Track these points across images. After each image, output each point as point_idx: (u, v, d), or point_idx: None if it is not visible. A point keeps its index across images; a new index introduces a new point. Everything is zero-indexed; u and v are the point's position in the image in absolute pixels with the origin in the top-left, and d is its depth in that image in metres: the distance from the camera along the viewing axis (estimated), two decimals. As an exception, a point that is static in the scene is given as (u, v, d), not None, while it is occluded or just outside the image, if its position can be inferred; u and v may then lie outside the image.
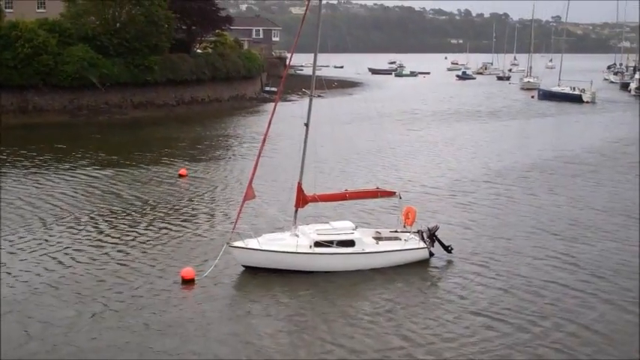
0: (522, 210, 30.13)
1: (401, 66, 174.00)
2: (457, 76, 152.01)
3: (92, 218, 27.41)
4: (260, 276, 20.86)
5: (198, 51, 78.63)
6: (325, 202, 24.24)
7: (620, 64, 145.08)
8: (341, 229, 22.12)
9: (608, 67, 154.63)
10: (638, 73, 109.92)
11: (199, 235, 25.31)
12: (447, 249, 22.79)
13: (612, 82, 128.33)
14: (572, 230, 26.79)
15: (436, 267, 22.31)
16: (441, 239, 22.88)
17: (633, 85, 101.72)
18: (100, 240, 24.51)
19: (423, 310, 18.70)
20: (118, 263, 21.99)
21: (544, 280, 21.01)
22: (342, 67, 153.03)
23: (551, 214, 29.38)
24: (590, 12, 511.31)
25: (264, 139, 22.27)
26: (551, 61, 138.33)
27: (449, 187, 34.78)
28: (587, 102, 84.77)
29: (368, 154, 44.11)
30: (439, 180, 36.70)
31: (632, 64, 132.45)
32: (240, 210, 21.86)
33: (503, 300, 19.36)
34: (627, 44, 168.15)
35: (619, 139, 53.86)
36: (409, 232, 22.83)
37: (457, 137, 54.53)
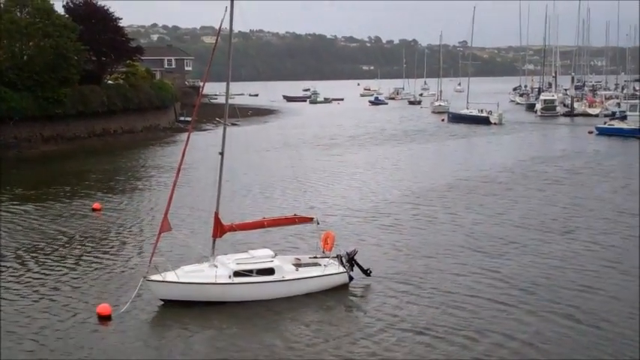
0: (443, 229, 30.70)
1: (315, 93, 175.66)
2: (370, 101, 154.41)
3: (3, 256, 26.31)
4: (179, 309, 20.38)
5: (109, 82, 77.32)
6: (243, 231, 24.05)
7: (525, 86, 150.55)
8: (260, 257, 21.96)
9: (514, 89, 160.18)
10: (542, 94, 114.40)
11: (115, 269, 24.59)
12: (366, 272, 22.91)
13: (518, 103, 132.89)
14: (492, 246, 27.40)
15: (356, 290, 22.35)
16: (360, 262, 23.02)
17: (538, 106, 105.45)
18: (7, 279, 23.50)
19: (346, 334, 18.65)
20: (31, 301, 21.13)
21: (467, 294, 21.32)
22: (257, 95, 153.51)
23: (470, 231, 30.02)
24: (495, 37, 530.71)
25: (179, 170, 22.00)
26: (459, 84, 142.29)
27: (370, 210, 35.08)
28: (495, 123, 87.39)
29: (288, 180, 43.89)
30: (360, 203, 37.03)
31: (537, 85, 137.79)
32: (157, 242, 21.43)
33: (426, 314, 19.62)
34: (531, 67, 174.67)
35: (530, 157, 55.61)
36: (328, 257, 22.87)
37: (376, 160, 55.32)
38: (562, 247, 27.17)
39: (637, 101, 78.74)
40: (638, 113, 71.46)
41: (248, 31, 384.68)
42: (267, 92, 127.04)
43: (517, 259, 25.36)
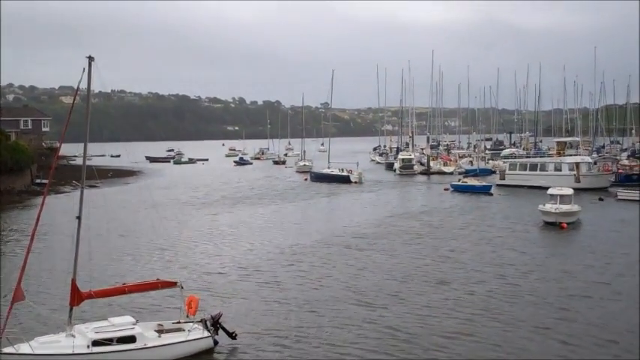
0: (316, 284, 31.39)
1: (179, 153, 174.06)
2: (235, 161, 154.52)
3: None
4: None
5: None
6: (103, 298, 23.26)
7: (384, 146, 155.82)
8: (120, 325, 21.29)
9: (374, 149, 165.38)
10: (400, 153, 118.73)
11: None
12: (232, 335, 22.72)
13: (379, 162, 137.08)
14: (369, 298, 28.42)
15: (221, 355, 22.14)
16: (229, 324, 22.80)
17: (397, 165, 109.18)
18: None
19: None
20: None
21: (342, 346, 21.83)
22: (118, 155, 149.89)
23: (346, 285, 30.93)
24: (356, 98, 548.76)
25: (33, 236, 21.22)
26: (322, 144, 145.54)
27: (243, 268, 35.25)
28: (355, 182, 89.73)
29: (155, 242, 43.33)
30: (232, 262, 37.09)
31: (395, 145, 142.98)
32: (9, 312, 20.41)
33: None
34: (389, 127, 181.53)
35: (393, 214, 57.50)
36: (192, 321, 22.50)
37: (246, 220, 55.54)
38: (436, 296, 28.58)
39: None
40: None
41: (109, 91, 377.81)
42: (129, 153, 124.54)
43: (394, 310, 26.49)
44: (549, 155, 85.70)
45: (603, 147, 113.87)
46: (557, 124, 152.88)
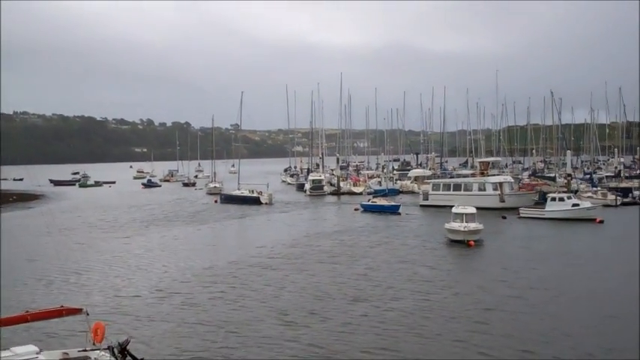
0: (234, 305, 31.17)
1: (85, 176, 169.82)
2: (143, 184, 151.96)
3: None
4: None
5: None
6: (3, 327, 22.31)
7: (295, 167, 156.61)
8: (22, 354, 20.40)
9: (285, 170, 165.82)
10: (310, 174, 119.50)
11: None
12: (139, 362, 22.17)
13: (289, 183, 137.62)
14: (284, 315, 28.76)
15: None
16: (136, 353, 22.25)
17: (307, 186, 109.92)
18: None
19: None
20: None
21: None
22: (21, 179, 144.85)
23: (263, 304, 30.99)
24: (266, 120, 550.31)
25: None
26: (233, 166, 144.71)
27: (153, 293, 34.48)
28: (266, 203, 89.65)
29: (62, 267, 42.02)
30: (143, 287, 36.28)
31: (305, 166, 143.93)
32: None
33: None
34: (300, 148, 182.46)
35: (305, 235, 57.70)
36: (99, 349, 21.86)
37: (157, 242, 54.64)
38: (356, 313, 28.98)
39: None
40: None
41: (11, 112, 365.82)
42: (32, 176, 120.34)
43: (315, 327, 26.74)
44: (472, 175, 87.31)
45: (506, 166, 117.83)
46: (462, 144, 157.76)
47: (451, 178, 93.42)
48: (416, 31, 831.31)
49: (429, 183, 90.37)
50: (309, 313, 29.21)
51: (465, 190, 79.27)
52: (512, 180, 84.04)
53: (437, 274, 38.04)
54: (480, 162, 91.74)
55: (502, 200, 74.57)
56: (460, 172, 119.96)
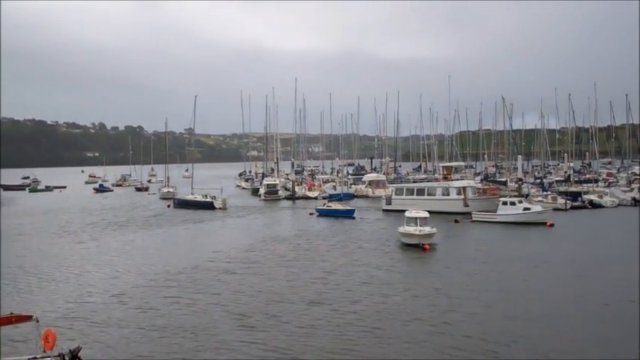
0: (190, 308, 31.01)
1: (35, 181, 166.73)
2: (95, 188, 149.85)
3: None
4: None
5: None
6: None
7: (250, 172, 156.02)
8: (-30, 363, 19.91)
9: (240, 175, 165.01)
10: (265, 179, 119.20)
11: None
12: (92, 369, 21.79)
13: (244, 188, 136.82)
14: (243, 319, 28.67)
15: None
16: (85, 359, 21.83)
17: (262, 191, 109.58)
18: None
19: None
20: None
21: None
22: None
23: (222, 308, 30.89)
24: (221, 124, 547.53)
25: None
26: (187, 170, 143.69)
27: (108, 299, 33.97)
28: (220, 208, 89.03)
29: (14, 273, 41.14)
30: (97, 292, 35.73)
31: (260, 170, 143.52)
32: None
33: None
34: (255, 153, 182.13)
35: (262, 238, 57.60)
36: (49, 356, 21.37)
37: (106, 249, 53.46)
38: (315, 316, 29.12)
39: None
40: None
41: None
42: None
43: (275, 331, 26.78)
44: (435, 180, 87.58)
45: (458, 171, 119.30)
46: (415, 149, 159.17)
47: (414, 182, 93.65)
48: (370, 37, 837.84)
49: (391, 187, 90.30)
50: (268, 317, 29.14)
51: (428, 195, 79.30)
52: (475, 184, 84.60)
53: (394, 277, 38.31)
54: (443, 166, 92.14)
55: (466, 205, 75.01)
56: (415, 176, 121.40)
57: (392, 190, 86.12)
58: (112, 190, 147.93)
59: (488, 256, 45.71)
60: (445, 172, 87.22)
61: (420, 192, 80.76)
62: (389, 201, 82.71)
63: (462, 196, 76.81)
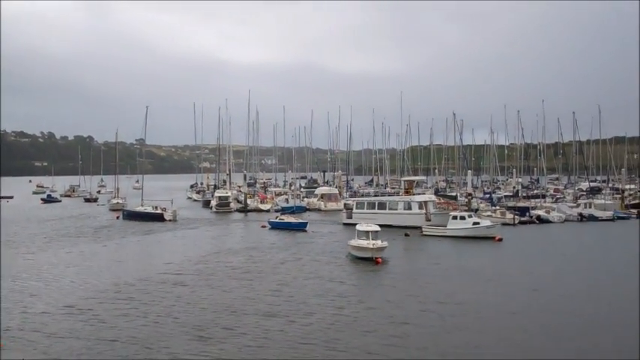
0: (143, 320, 30.71)
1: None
2: (42, 199, 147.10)
3: None
4: None
5: None
6: None
7: (202, 183, 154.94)
8: None
9: (191, 186, 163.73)
10: (217, 191, 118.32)
11: None
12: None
13: (195, 200, 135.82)
14: (198, 331, 28.48)
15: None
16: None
17: (214, 203, 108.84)
18: None
19: None
20: None
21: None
22: None
23: (175, 320, 30.63)
24: (173, 135, 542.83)
25: None
26: (137, 181, 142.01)
27: (58, 310, 33.36)
28: (170, 220, 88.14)
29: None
30: (46, 304, 34.98)
31: (212, 182, 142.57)
32: None
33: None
34: (207, 164, 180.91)
35: (214, 251, 57.31)
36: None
37: (54, 261, 52.32)
38: (271, 328, 29.07)
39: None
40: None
41: None
42: None
43: (231, 343, 26.66)
44: (396, 194, 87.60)
45: (419, 185, 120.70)
46: (368, 163, 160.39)
47: (375, 196, 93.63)
48: (325, 51, 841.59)
49: (352, 201, 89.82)
50: (222, 328, 28.99)
51: (390, 209, 79.03)
52: (435, 199, 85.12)
53: (348, 290, 38.49)
54: (404, 180, 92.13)
55: (428, 219, 75.17)
56: (367, 189, 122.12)
57: (353, 204, 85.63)
58: (60, 201, 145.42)
59: (441, 270, 46.28)
60: (407, 187, 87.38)
61: (382, 206, 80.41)
62: (349, 215, 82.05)
63: (424, 211, 77.17)
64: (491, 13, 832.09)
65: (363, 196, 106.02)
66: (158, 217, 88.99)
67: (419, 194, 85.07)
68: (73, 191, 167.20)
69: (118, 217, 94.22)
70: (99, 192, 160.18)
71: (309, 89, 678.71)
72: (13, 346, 26.14)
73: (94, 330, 29.07)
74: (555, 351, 25.72)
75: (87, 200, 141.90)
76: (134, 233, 74.32)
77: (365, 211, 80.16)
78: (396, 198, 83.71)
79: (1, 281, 41.69)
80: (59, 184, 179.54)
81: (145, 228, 79.31)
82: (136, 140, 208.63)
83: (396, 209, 78.78)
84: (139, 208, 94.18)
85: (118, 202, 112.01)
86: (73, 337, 27.83)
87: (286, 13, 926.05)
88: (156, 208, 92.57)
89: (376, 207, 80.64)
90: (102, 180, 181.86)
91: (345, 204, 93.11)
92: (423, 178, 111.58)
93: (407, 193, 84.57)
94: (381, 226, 53.82)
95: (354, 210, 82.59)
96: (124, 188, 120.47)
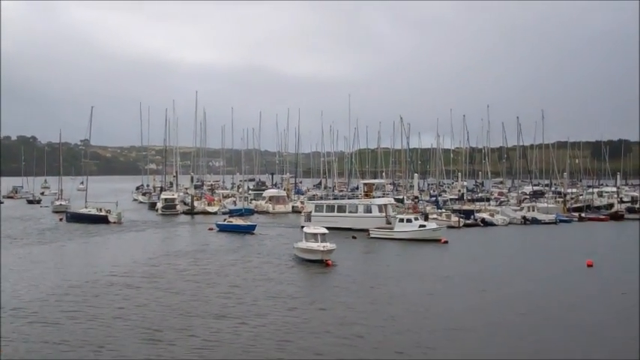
0: (93, 323, 30.41)
1: None
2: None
3: None
4: None
5: None
6: None
7: (148, 185, 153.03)
8: None
9: (137, 188, 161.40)
10: (163, 193, 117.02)
11: None
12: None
13: (142, 202, 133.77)
14: (149, 333, 28.40)
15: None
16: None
17: (160, 205, 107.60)
18: None
19: None
20: None
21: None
22: None
23: (125, 322, 30.43)
24: (119, 136, 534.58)
25: None
26: (82, 183, 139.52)
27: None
28: (115, 222, 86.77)
29: None
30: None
31: (159, 184, 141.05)
32: None
33: None
34: (153, 166, 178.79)
35: (160, 253, 56.84)
36: None
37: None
38: (223, 329, 29.09)
39: None
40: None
41: None
42: None
43: (183, 345, 26.61)
44: (357, 197, 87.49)
45: (357, 188, 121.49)
46: (316, 166, 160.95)
47: (335, 199, 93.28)
48: (274, 53, 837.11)
49: (311, 204, 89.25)
50: (174, 330, 28.87)
51: (349, 212, 78.89)
52: (395, 202, 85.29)
53: (299, 291, 38.81)
54: (364, 183, 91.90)
55: (388, 222, 74.90)
56: (317, 192, 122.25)
57: (312, 207, 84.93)
58: (2, 202, 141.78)
59: (390, 271, 46.93)
60: (366, 190, 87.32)
61: (341, 209, 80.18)
62: (308, 217, 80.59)
63: (384, 213, 77.34)
64: (442, 21, 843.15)
65: (316, 198, 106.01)
66: (102, 220, 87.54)
67: (379, 197, 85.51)
68: (16, 193, 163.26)
69: (61, 219, 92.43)
70: (42, 194, 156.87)
71: (259, 91, 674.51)
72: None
73: (41, 333, 28.62)
74: (506, 348, 26.44)
75: (30, 202, 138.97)
76: (79, 235, 73.08)
77: (324, 214, 79.55)
78: (355, 201, 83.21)
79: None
80: (1, 185, 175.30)
81: (90, 230, 77.95)
82: (81, 141, 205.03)
83: (356, 212, 78.89)
84: (83, 210, 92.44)
85: (61, 204, 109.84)
86: (19, 341, 27.34)
87: (236, 14, 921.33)
88: (100, 210, 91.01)
89: (335, 210, 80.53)
90: (45, 181, 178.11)
91: (293, 206, 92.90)
92: (382, 180, 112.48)
93: (367, 196, 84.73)
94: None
95: (313, 213, 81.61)
96: (68, 190, 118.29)
